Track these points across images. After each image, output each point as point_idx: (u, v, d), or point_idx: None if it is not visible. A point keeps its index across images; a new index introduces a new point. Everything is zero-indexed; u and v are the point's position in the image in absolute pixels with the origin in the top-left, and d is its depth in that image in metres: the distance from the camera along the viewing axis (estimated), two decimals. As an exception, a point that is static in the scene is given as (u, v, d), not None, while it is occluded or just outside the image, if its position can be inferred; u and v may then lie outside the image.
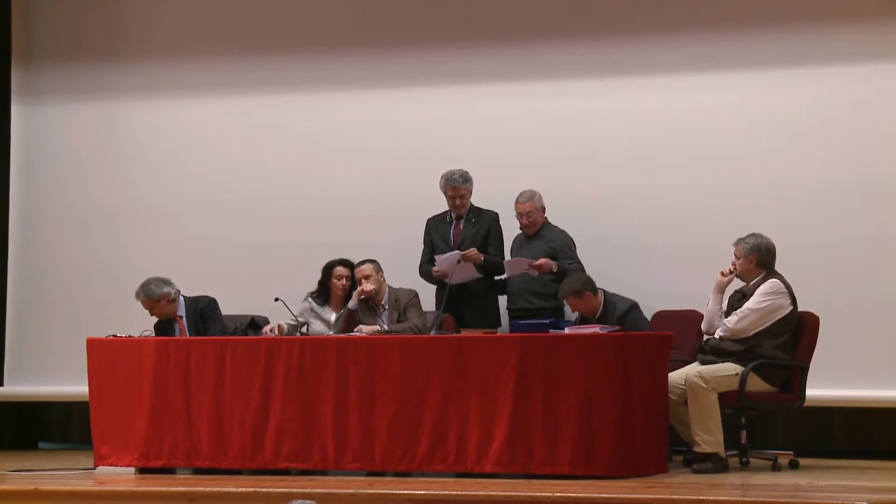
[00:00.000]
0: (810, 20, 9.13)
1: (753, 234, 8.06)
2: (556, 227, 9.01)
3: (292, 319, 8.46)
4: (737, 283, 8.17)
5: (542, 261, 8.73)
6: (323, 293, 8.90)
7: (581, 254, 8.94)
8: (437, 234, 9.02)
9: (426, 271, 8.99)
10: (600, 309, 8.34)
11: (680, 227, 9.24)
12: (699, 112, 9.32)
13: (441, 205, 9.09)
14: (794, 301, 7.96)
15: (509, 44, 9.60)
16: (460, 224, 8.97)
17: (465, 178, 8.94)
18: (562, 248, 8.88)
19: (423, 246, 9.13)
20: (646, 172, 9.33)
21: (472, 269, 8.77)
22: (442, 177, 8.95)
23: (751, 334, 7.88)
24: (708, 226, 9.16)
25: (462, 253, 8.73)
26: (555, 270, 8.75)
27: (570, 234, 9.01)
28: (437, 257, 8.86)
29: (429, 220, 9.10)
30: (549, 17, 9.56)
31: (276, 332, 8.46)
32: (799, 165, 9.09)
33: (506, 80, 9.60)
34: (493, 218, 9.01)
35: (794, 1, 9.19)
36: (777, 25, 9.17)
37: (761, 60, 9.17)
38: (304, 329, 8.55)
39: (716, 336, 7.95)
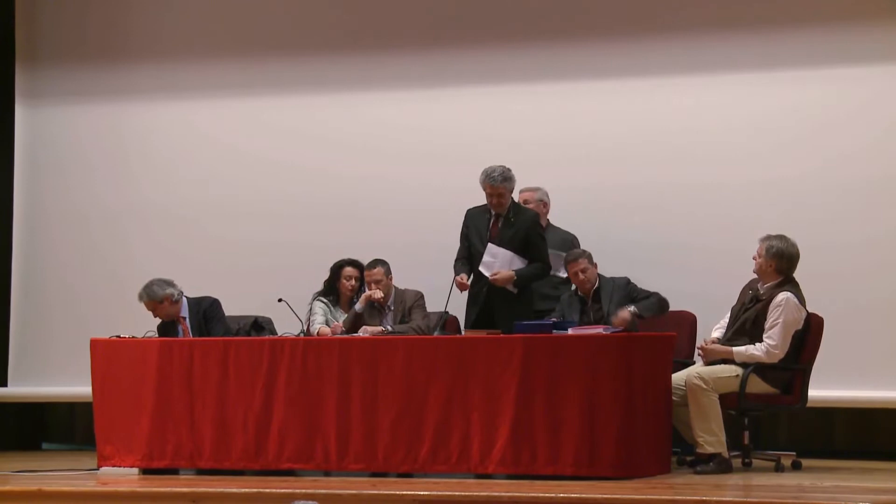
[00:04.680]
0: (812, 22, 9.13)
1: (781, 238, 7.97)
2: (561, 228, 9.01)
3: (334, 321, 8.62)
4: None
5: None
6: (331, 292, 8.90)
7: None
8: (473, 229, 8.59)
9: (455, 270, 8.51)
10: (597, 282, 8.45)
11: (678, 226, 9.24)
12: (699, 112, 9.32)
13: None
14: (805, 310, 7.95)
15: (520, 45, 9.59)
16: (499, 222, 8.55)
17: (505, 177, 8.40)
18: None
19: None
20: (644, 172, 9.34)
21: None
22: (482, 172, 8.43)
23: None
24: (707, 226, 9.18)
25: (492, 277, 8.39)
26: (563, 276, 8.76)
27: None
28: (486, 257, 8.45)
29: (469, 211, 8.63)
30: (560, 18, 9.57)
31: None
32: (800, 166, 9.09)
33: (515, 81, 9.59)
34: (533, 219, 8.62)
35: (796, 3, 9.20)
36: (780, 27, 9.17)
37: (763, 61, 9.17)
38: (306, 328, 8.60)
39: (758, 353, 7.85)
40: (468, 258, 8.58)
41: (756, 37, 9.20)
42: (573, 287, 8.58)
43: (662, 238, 9.21)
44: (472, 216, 8.65)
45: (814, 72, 9.12)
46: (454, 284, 8.37)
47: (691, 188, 9.27)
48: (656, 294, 8.36)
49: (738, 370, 7.81)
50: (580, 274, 8.44)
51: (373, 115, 9.87)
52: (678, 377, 7.88)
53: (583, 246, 8.86)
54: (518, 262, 8.46)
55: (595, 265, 8.49)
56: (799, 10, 9.17)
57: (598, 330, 7.82)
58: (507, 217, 8.52)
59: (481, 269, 8.44)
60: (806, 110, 9.14)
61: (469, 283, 8.46)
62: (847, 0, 9.13)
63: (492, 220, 8.56)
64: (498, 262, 8.42)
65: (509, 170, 8.47)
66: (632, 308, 8.18)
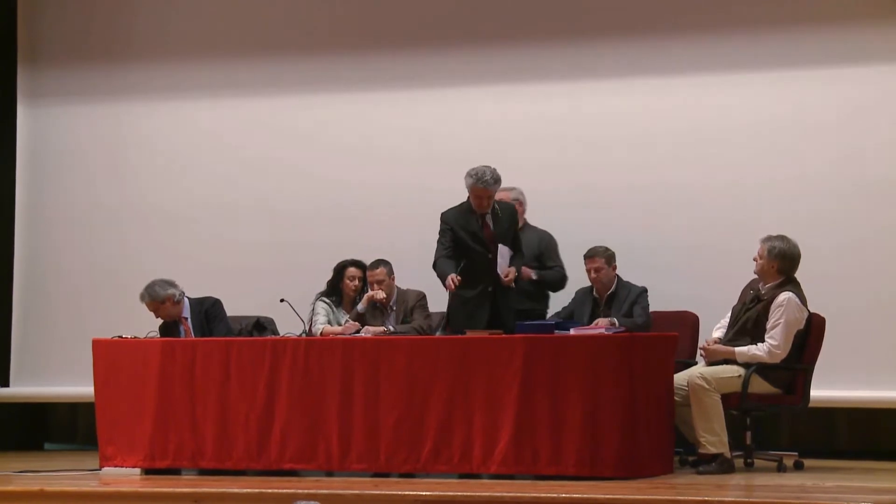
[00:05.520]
0: (815, 22, 9.13)
1: (782, 238, 7.97)
2: (538, 228, 8.99)
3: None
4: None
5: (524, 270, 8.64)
6: (334, 293, 8.89)
7: (577, 253, 8.88)
8: (462, 231, 8.42)
9: (444, 269, 8.33)
10: (614, 285, 8.47)
11: (678, 227, 9.25)
12: (699, 113, 9.33)
13: (451, 205, 8.70)
14: (807, 310, 7.95)
15: (526, 45, 9.60)
16: (487, 220, 8.44)
17: (496, 179, 8.28)
18: (547, 250, 8.85)
19: (435, 243, 8.60)
20: (644, 173, 9.35)
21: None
22: (470, 175, 8.32)
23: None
24: (707, 226, 9.19)
25: (507, 278, 8.33)
26: (535, 278, 8.72)
27: (567, 234, 9.01)
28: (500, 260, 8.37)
29: (445, 214, 8.49)
30: (562, 19, 9.58)
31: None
32: (802, 166, 9.09)
33: (520, 81, 9.60)
34: (513, 211, 8.59)
35: (798, 3, 9.20)
36: (782, 27, 9.17)
37: (765, 62, 9.18)
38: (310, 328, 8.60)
39: (760, 353, 7.84)
40: (453, 256, 8.38)
41: (759, 37, 9.21)
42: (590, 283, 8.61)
43: (663, 239, 9.21)
44: (455, 218, 8.47)
45: (815, 72, 9.13)
46: (449, 286, 8.24)
47: (692, 189, 9.27)
48: (644, 317, 8.40)
49: (741, 370, 7.81)
50: (593, 272, 8.47)
51: (375, 116, 9.88)
52: (680, 377, 7.88)
53: (579, 247, 8.83)
54: (510, 257, 8.47)
55: (614, 267, 8.49)
56: (801, 10, 9.17)
57: (600, 330, 7.82)
58: (494, 214, 8.45)
59: (499, 270, 8.38)
60: (807, 111, 9.13)
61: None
62: (850, 0, 9.13)
63: (481, 220, 8.46)
64: (504, 261, 8.41)
65: (496, 170, 8.36)
66: (612, 319, 8.21)
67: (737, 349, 7.86)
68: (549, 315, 8.81)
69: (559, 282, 8.86)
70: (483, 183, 8.31)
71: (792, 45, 9.14)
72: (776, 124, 9.18)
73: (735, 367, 7.83)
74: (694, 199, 9.27)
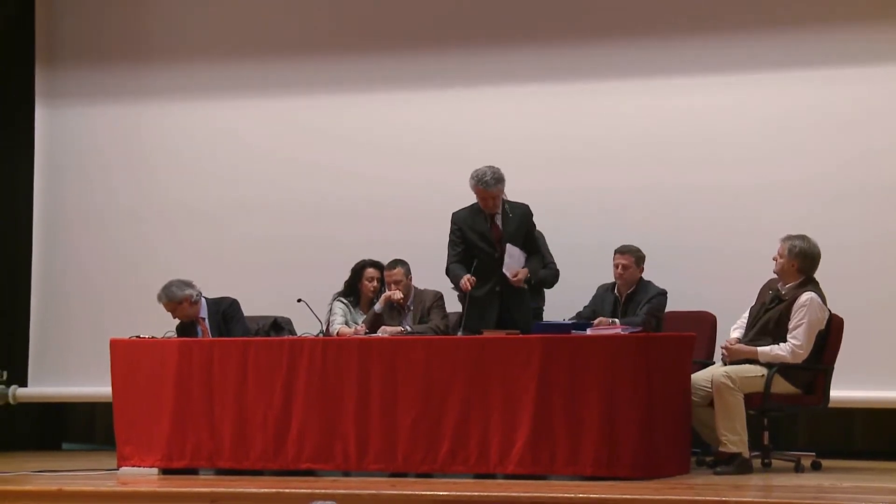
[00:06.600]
0: (825, 22, 9.12)
1: (803, 238, 7.96)
2: None
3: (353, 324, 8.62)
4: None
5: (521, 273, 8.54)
6: (351, 293, 8.90)
7: (593, 254, 8.90)
8: (471, 231, 8.40)
9: (457, 273, 8.33)
10: (636, 286, 8.46)
11: (692, 227, 9.24)
12: (712, 113, 9.33)
13: (468, 202, 8.74)
14: (828, 310, 7.93)
15: (539, 45, 9.60)
16: (497, 220, 8.41)
17: (497, 179, 8.24)
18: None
19: (441, 245, 8.56)
20: (659, 173, 9.33)
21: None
22: (472, 177, 8.28)
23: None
24: (721, 227, 9.18)
25: (511, 278, 8.27)
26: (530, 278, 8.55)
27: (580, 235, 9.04)
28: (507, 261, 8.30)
29: (456, 214, 8.46)
30: (569, 19, 9.58)
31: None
32: (817, 166, 9.08)
33: (536, 81, 9.60)
34: (527, 212, 8.48)
35: (807, 2, 9.18)
36: (793, 27, 9.17)
37: (779, 61, 9.17)
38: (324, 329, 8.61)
39: (783, 353, 7.82)
40: (464, 261, 8.35)
41: (773, 37, 9.20)
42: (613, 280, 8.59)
43: (680, 240, 9.18)
44: (464, 219, 8.44)
45: (829, 72, 9.11)
46: (464, 285, 8.20)
47: (707, 190, 9.26)
48: (643, 317, 8.30)
49: (763, 370, 7.80)
50: (620, 268, 8.47)
51: (393, 114, 9.89)
52: (699, 377, 7.88)
53: (595, 248, 8.88)
54: (523, 258, 8.42)
55: (641, 270, 8.47)
56: (810, 10, 9.16)
57: (617, 330, 7.81)
58: (504, 214, 8.40)
59: (505, 270, 8.37)
60: (821, 111, 9.12)
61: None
62: (860, 0, 9.11)
63: (490, 220, 8.41)
64: (514, 261, 8.38)
65: (499, 170, 8.32)
66: (614, 320, 8.19)
67: (759, 349, 7.85)
68: (568, 316, 8.75)
69: (553, 278, 8.79)
70: (483, 184, 8.28)
71: (803, 44, 9.13)
72: (791, 124, 9.17)
73: (757, 367, 7.82)
74: (706, 200, 9.25)
